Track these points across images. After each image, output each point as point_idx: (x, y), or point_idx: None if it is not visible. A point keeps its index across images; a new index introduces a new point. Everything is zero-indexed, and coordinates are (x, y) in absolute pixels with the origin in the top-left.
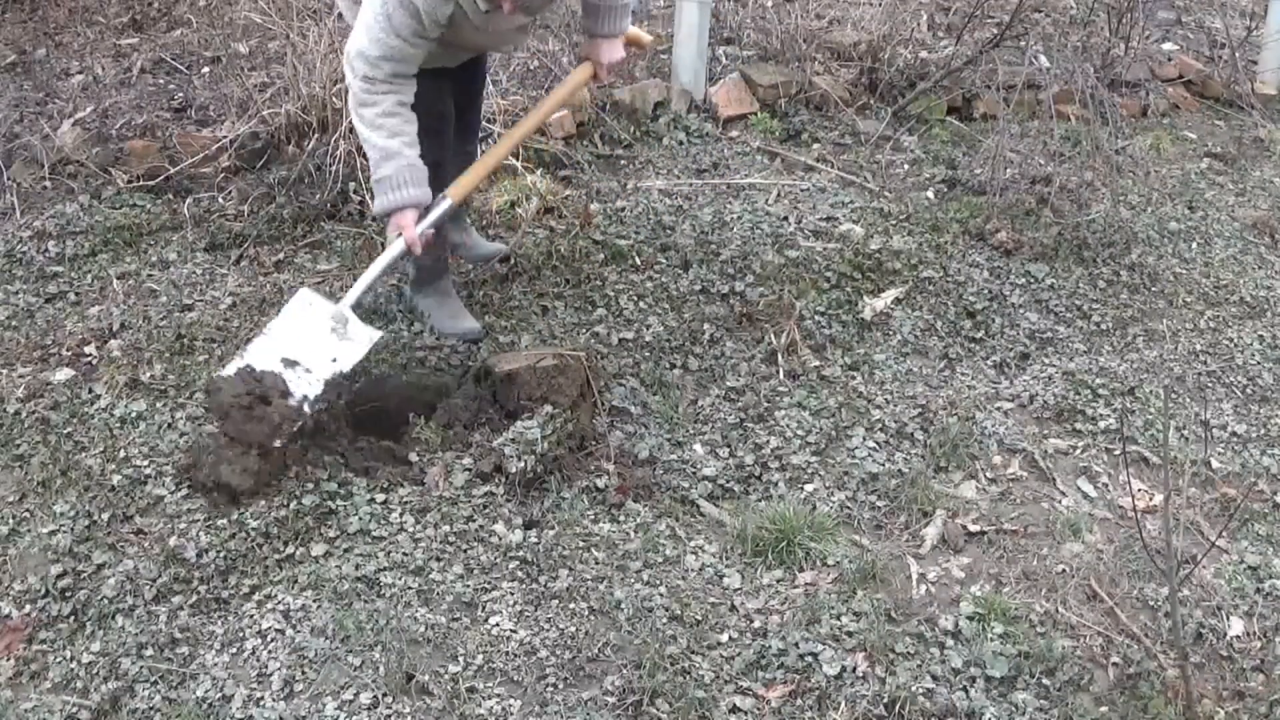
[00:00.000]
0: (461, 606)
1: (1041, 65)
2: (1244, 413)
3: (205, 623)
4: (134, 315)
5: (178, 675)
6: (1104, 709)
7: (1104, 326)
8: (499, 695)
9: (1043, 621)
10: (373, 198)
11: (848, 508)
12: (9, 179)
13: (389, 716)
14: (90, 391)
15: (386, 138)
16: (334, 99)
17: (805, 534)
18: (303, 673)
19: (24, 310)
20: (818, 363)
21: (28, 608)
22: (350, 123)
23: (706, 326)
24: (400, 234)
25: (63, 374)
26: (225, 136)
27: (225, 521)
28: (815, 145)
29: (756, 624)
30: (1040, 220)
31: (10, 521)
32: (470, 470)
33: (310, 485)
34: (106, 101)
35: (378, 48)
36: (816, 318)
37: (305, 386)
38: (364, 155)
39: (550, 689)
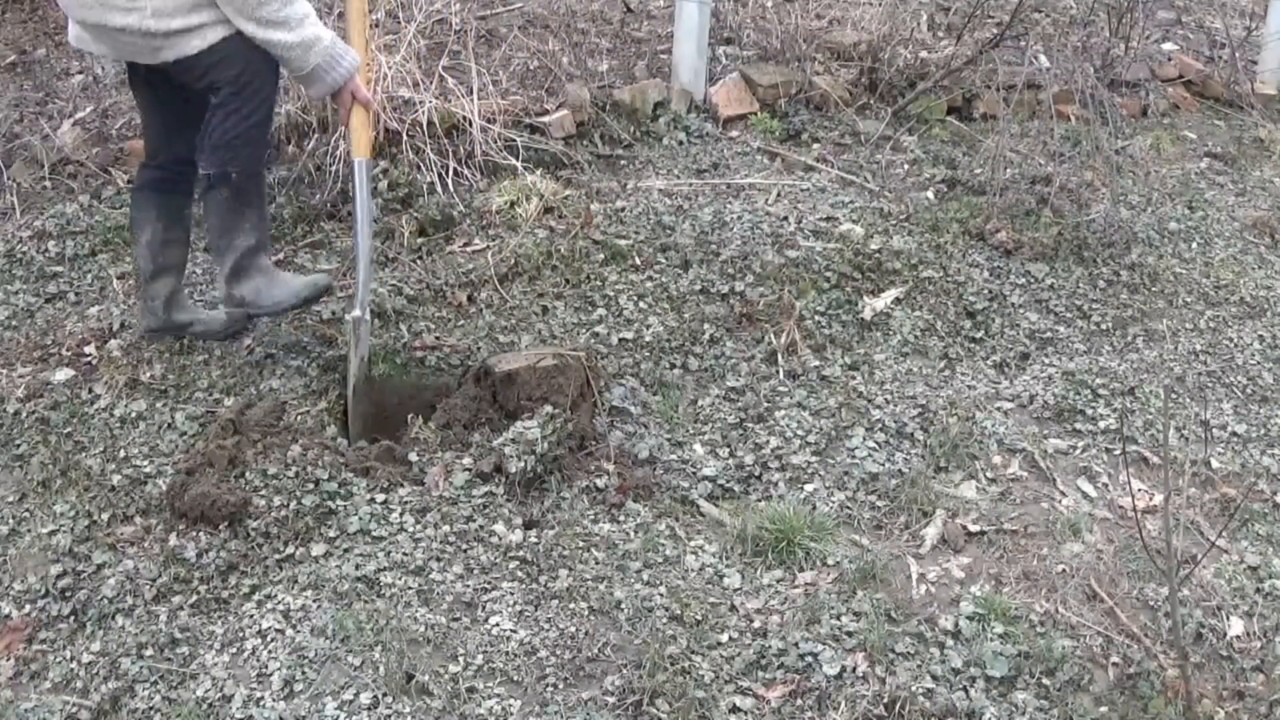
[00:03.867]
0: (461, 606)
1: (1041, 65)
2: (1244, 413)
3: (205, 623)
4: (134, 315)
5: (178, 675)
6: (1104, 709)
7: (1104, 326)
8: (499, 695)
9: (1043, 621)
10: (308, 84)
11: (848, 508)
12: (9, 179)
13: (389, 716)
14: (90, 391)
15: (296, 31)
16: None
17: (805, 534)
18: (303, 673)
19: (24, 310)
20: (818, 363)
21: (28, 608)
22: None
23: (706, 326)
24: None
25: (63, 374)
26: None
27: (225, 521)
28: (815, 145)
29: (756, 624)
30: (1040, 220)
31: (10, 521)
32: (470, 470)
33: (310, 485)
34: (106, 101)
35: None
36: (816, 318)
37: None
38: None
39: (550, 689)
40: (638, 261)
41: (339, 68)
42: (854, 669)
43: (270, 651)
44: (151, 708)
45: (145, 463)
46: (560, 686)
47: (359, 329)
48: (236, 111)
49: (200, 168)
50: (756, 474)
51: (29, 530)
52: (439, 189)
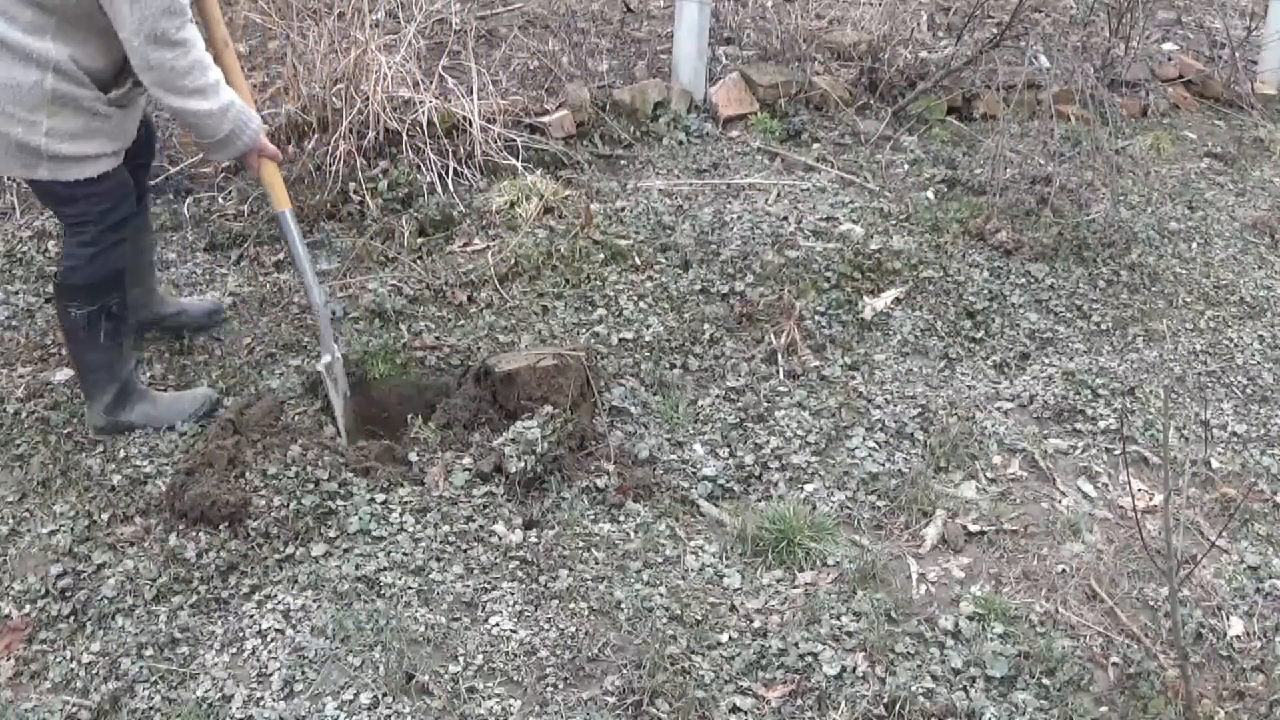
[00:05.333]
0: (461, 606)
1: (1041, 65)
2: (1244, 413)
3: (205, 623)
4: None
5: (178, 675)
6: (1104, 709)
7: (1104, 326)
8: (499, 695)
9: (1043, 621)
10: (217, 150)
11: (848, 508)
12: (9, 179)
13: (389, 716)
14: None
15: (213, 99)
16: (334, 99)
17: (805, 534)
18: (303, 673)
19: (24, 310)
20: (818, 363)
21: (28, 608)
22: (350, 123)
23: (706, 326)
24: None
25: (63, 374)
26: None
27: (225, 521)
28: (815, 145)
29: (756, 624)
30: (1040, 220)
31: (10, 521)
32: (470, 470)
33: (310, 485)
34: None
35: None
36: (816, 318)
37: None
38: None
39: (550, 689)
40: (638, 261)
41: (249, 129)
42: (854, 669)
43: (270, 651)
44: (151, 708)
45: (145, 463)
46: (560, 686)
47: (334, 370)
48: (114, 247)
49: (73, 310)
50: (756, 474)
51: (29, 530)
52: (439, 189)
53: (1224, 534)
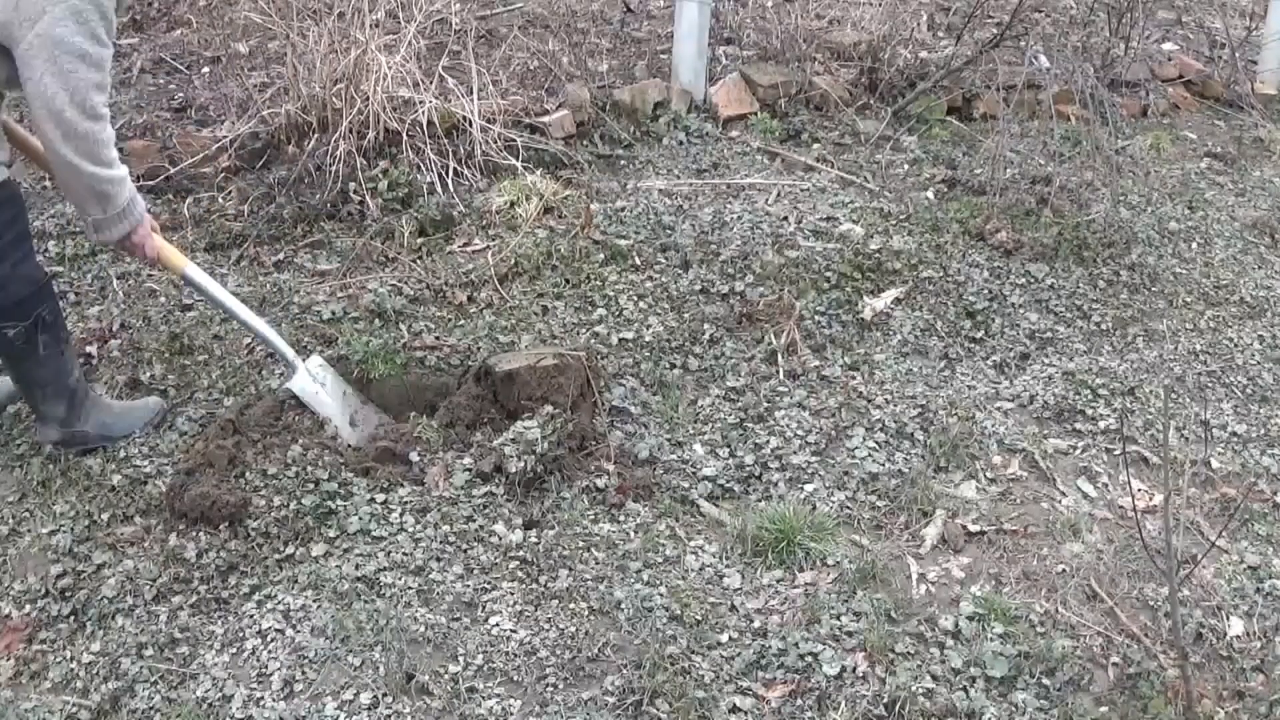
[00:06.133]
0: (461, 606)
1: (1041, 65)
2: (1244, 413)
3: (205, 623)
4: (134, 315)
5: (178, 675)
6: (1104, 709)
7: (1104, 326)
8: (499, 695)
9: (1043, 621)
10: (115, 223)
11: (848, 508)
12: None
13: (389, 716)
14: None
15: (120, 168)
16: (334, 99)
17: (805, 534)
18: (303, 673)
19: None
20: (818, 363)
21: (28, 608)
22: (350, 123)
23: (706, 326)
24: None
25: None
26: (225, 136)
27: (225, 521)
28: (815, 145)
29: (756, 624)
30: (1040, 220)
31: (10, 521)
32: (470, 470)
33: (310, 485)
34: None
35: (97, 71)
36: (816, 318)
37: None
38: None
39: (550, 689)
40: (638, 261)
41: (139, 199)
42: (854, 669)
43: (270, 651)
44: (151, 708)
45: (145, 463)
46: (560, 686)
47: (319, 377)
48: (27, 258)
49: (8, 331)
50: (756, 474)
51: (29, 530)
52: (439, 189)
53: (1224, 534)
